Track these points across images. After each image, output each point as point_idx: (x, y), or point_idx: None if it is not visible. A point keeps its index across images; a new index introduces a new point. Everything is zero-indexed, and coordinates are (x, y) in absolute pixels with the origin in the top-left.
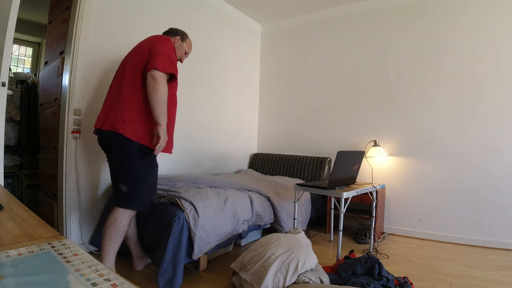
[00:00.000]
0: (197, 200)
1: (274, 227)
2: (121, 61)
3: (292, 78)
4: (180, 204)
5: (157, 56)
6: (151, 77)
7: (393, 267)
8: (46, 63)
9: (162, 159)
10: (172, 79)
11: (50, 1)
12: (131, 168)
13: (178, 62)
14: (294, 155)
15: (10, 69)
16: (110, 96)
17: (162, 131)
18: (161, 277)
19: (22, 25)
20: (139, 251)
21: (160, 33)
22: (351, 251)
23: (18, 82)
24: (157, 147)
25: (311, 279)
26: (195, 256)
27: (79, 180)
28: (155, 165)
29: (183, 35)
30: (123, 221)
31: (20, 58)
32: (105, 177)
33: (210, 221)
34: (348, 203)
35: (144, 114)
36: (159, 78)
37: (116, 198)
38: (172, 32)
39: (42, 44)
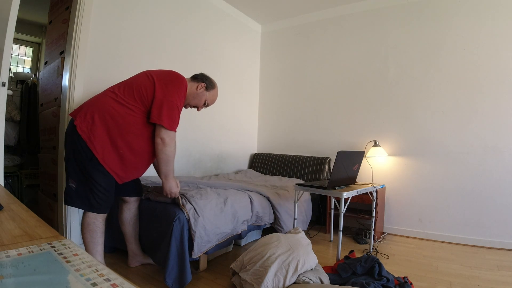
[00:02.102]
0: (197, 200)
1: (274, 227)
2: (126, 79)
3: (292, 78)
4: (180, 204)
5: (164, 107)
6: (160, 139)
7: (393, 267)
8: (46, 63)
9: None
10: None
11: (50, 1)
12: (81, 166)
13: (194, 109)
14: (294, 155)
15: (10, 69)
16: (93, 98)
17: (165, 185)
18: (168, 276)
19: (22, 25)
20: (135, 249)
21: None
22: (351, 251)
23: (18, 82)
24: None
25: (311, 279)
26: (194, 255)
27: None
28: (104, 175)
29: (210, 85)
30: (96, 223)
31: (20, 58)
32: None
33: (210, 221)
34: (348, 203)
35: (109, 127)
36: (167, 139)
37: (65, 194)
38: (200, 78)
39: (42, 44)
